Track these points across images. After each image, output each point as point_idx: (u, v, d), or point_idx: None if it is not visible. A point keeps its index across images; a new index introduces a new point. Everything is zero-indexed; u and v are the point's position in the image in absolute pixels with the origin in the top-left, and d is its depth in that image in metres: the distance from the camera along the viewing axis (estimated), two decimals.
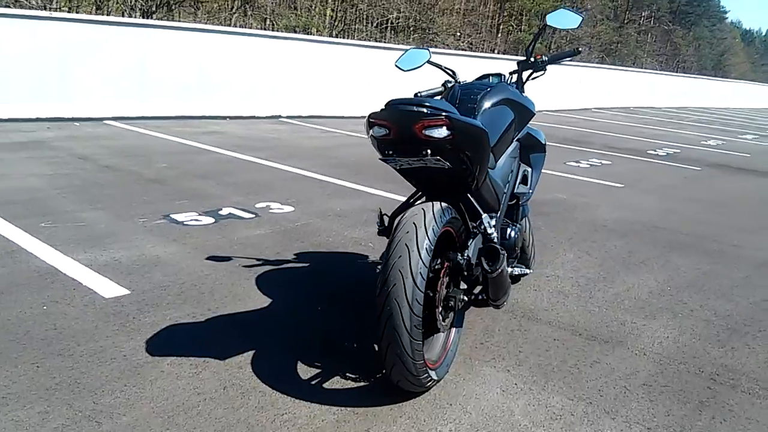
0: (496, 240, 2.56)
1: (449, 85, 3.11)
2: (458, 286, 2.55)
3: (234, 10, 25.54)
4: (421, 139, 2.19)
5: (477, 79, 3.38)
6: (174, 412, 2.22)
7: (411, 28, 30.85)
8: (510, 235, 3.05)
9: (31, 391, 2.27)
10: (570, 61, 3.51)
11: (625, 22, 44.93)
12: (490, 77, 3.36)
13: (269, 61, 10.51)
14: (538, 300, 3.52)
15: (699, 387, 2.70)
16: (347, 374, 2.55)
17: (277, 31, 23.58)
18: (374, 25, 29.64)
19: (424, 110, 2.16)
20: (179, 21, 17.65)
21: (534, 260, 3.70)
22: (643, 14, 48.56)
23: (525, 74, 3.34)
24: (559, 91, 17.70)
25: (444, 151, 2.27)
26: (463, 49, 28.66)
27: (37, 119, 7.93)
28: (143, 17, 19.92)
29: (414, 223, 2.27)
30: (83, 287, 3.18)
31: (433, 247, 2.24)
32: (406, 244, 2.22)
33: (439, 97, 3.05)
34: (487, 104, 2.88)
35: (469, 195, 2.59)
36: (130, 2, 22.08)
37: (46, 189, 4.91)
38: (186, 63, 9.44)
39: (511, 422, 2.32)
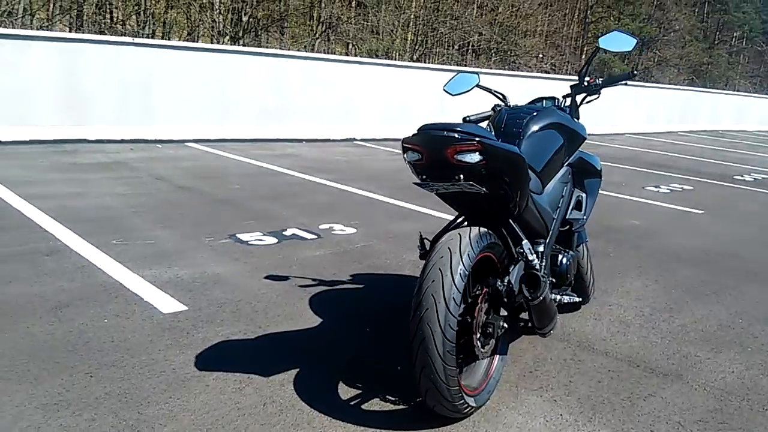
0: (538, 266, 2.50)
1: (498, 108, 3.08)
2: (498, 313, 2.51)
3: (317, 36, 26.24)
4: (454, 164, 2.18)
5: (530, 103, 3.34)
6: (213, 426, 2.27)
7: (492, 51, 30.79)
8: (561, 262, 2.98)
9: (81, 399, 2.37)
10: (634, 82, 3.39)
11: (716, 42, 43.26)
12: (544, 101, 3.32)
13: (346, 85, 10.70)
14: (596, 329, 3.41)
15: (761, 426, 2.54)
16: (387, 397, 2.55)
17: (359, 55, 24.06)
18: (455, 47, 29.75)
19: (456, 135, 2.15)
20: (263, 47, 18.27)
21: (593, 289, 3.60)
22: (734, 35, 46.65)
23: (579, 98, 3.28)
24: (641, 113, 17.20)
25: (478, 176, 2.25)
26: (545, 71, 28.35)
27: (122, 141, 8.35)
28: (232, 43, 20.78)
29: (449, 248, 2.25)
30: (144, 302, 3.31)
31: (467, 272, 2.22)
32: (440, 269, 2.21)
33: (486, 122, 3.03)
34: (533, 128, 2.84)
35: (510, 220, 2.55)
36: (219, 29, 23.07)
37: (121, 208, 5.15)
38: (265, 87, 9.75)
39: None
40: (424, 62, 23.15)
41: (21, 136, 7.66)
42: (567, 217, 3.07)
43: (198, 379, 2.59)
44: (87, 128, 8.16)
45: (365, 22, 28.16)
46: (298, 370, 2.73)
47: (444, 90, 3.27)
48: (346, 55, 25.19)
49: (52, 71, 7.89)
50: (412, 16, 28.86)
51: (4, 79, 7.56)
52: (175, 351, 2.81)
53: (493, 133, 2.91)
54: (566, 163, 3.05)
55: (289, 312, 3.32)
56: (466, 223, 2.62)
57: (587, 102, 3.32)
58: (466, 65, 26.38)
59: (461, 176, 2.21)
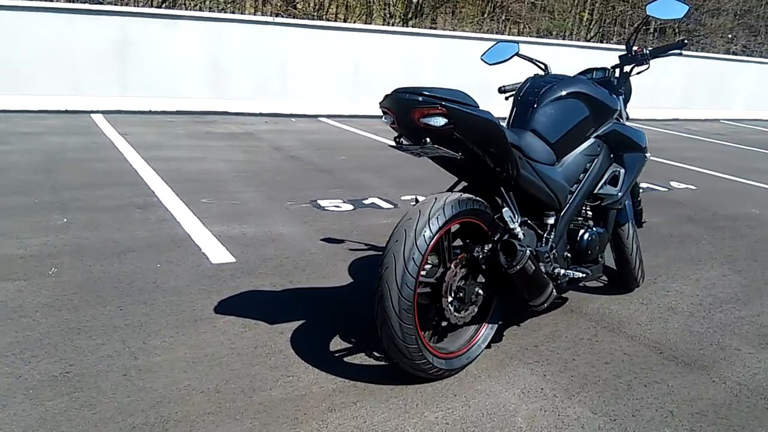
0: (520, 235, 2.45)
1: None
2: (476, 280, 2.49)
3: (485, 15, 26.04)
4: (421, 127, 2.20)
5: (579, 74, 3.22)
6: (200, 359, 2.50)
7: (674, 30, 28.73)
8: (582, 237, 2.88)
9: (102, 326, 2.71)
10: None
11: None
12: (594, 71, 3.19)
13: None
14: (636, 314, 3.23)
15: (766, 427, 2.32)
16: (374, 353, 2.63)
17: (528, 35, 23.53)
18: (633, 27, 28.10)
19: (419, 98, 2.17)
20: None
21: (641, 273, 3.41)
22: None
23: (627, 68, 3.11)
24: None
25: (450, 140, 2.26)
26: (734, 53, 25.95)
27: (260, 114, 8.95)
28: (404, 24, 21.28)
29: (419, 210, 2.29)
30: (200, 253, 3.63)
31: (432, 235, 2.24)
32: (405, 229, 2.25)
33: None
34: (550, 97, 2.75)
35: (502, 188, 2.51)
36: (390, 10, 23.67)
37: (227, 172, 5.59)
38: (396, 65, 9.95)
39: (507, 423, 2.23)
40: (599, 42, 22.10)
41: (169, 107, 8.48)
42: (597, 191, 2.95)
43: (209, 320, 2.83)
44: (228, 101, 8.84)
45: (536, 1, 27.47)
46: (303, 322, 2.88)
47: (481, 59, 3.25)
48: (518, 35, 24.72)
49: (198, 48, 8.63)
50: None
51: (156, 56, 8.40)
52: (204, 296, 3.08)
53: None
54: (594, 136, 2.92)
55: (325, 272, 3.49)
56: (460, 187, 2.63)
57: (637, 73, 3.14)
58: (646, 45, 24.87)
59: (428, 140, 2.23)
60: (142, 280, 3.21)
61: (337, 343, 2.71)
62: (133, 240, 3.75)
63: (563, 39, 22.97)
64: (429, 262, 2.44)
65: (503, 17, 26.40)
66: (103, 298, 2.97)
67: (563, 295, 3.32)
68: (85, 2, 8.33)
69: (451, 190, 2.62)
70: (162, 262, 3.46)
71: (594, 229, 2.94)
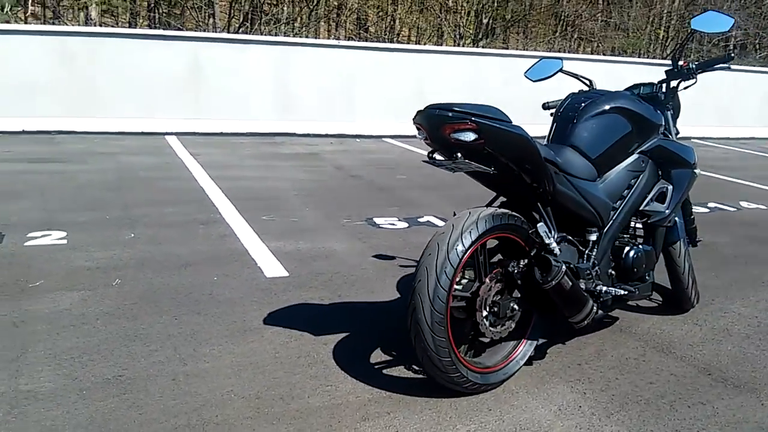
0: (556, 252, 2.45)
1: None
2: (512, 295, 2.50)
3: (557, 34, 25.84)
4: (452, 142, 2.25)
5: (626, 89, 3.21)
6: (244, 367, 2.60)
7: (755, 46, 27.70)
8: (627, 254, 2.85)
9: (157, 334, 2.86)
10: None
11: None
12: (641, 87, 3.17)
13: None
14: (689, 334, 3.16)
15: None
16: (412, 366, 2.67)
17: (601, 54, 23.18)
18: (711, 43, 27.29)
19: (449, 114, 2.22)
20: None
21: (695, 293, 3.33)
22: None
23: (673, 83, 3.08)
24: None
25: (481, 156, 2.30)
26: None
27: (326, 135, 9.17)
28: (473, 45, 21.40)
29: (453, 225, 2.33)
30: (256, 267, 3.77)
31: (465, 249, 2.28)
32: (438, 243, 2.30)
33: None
34: (591, 112, 2.76)
35: (539, 204, 2.53)
36: (461, 31, 23.86)
37: (288, 191, 5.77)
38: (461, 85, 10.01)
39: None
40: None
41: (239, 129, 8.80)
42: (642, 208, 2.92)
43: (257, 331, 2.95)
44: (296, 123, 9.10)
45: (609, 19, 27.06)
46: (347, 334, 2.96)
47: (525, 76, 3.27)
48: (591, 53, 24.39)
49: (267, 72, 8.95)
50: (665, 12, 27.12)
51: (227, 79, 8.75)
52: (255, 307, 3.20)
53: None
54: (639, 151, 2.89)
55: (373, 287, 3.56)
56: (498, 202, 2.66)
57: (684, 88, 3.10)
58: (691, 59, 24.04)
59: (459, 155, 2.28)
60: (199, 291, 3.36)
61: (377, 356, 2.77)
62: (194, 254, 3.93)
63: (638, 57, 22.52)
64: (465, 276, 2.48)
65: (575, 36, 26.12)
66: (160, 308, 3.13)
67: (612, 314, 3.28)
68: (159, 29, 8.75)
69: (489, 205, 2.65)
70: (219, 275, 3.61)
71: (640, 246, 2.90)
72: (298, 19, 20.56)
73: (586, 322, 2.57)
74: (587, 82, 3.18)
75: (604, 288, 2.66)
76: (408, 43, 20.15)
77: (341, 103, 9.39)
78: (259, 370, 2.59)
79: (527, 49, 21.17)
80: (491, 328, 2.45)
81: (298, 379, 2.53)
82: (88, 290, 3.28)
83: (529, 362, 2.72)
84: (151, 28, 9.53)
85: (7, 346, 2.66)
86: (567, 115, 2.80)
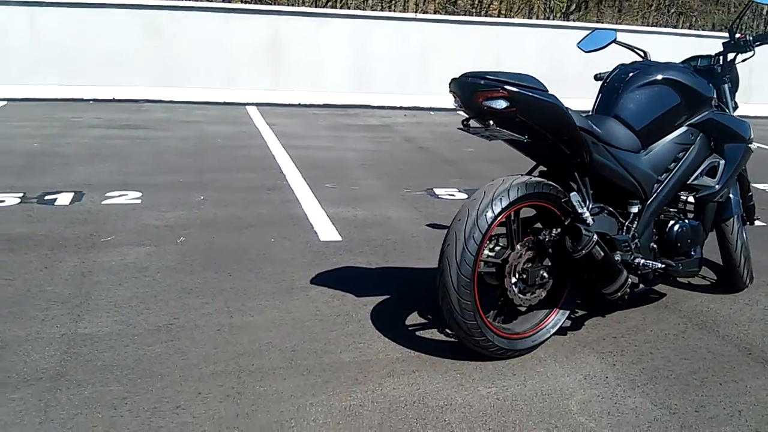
0: (589, 221, 2.45)
1: None
2: (542, 263, 2.53)
3: (652, 7, 24.81)
4: (484, 110, 2.29)
5: (683, 61, 3.13)
6: (286, 322, 2.76)
7: None
8: (672, 228, 2.81)
9: (210, 288, 3.05)
10: None
11: None
12: (699, 59, 3.09)
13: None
14: (737, 313, 3.09)
15: None
16: (446, 329, 2.75)
17: (701, 29, 22.08)
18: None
19: (481, 81, 2.26)
20: (593, 22, 17.94)
21: (748, 272, 3.24)
22: None
23: (730, 56, 2.98)
24: None
25: (514, 124, 2.33)
26: None
27: (401, 107, 9.24)
28: (564, 19, 20.87)
29: (485, 191, 2.38)
30: (312, 231, 3.93)
31: (495, 215, 2.33)
32: (468, 209, 2.36)
33: None
34: (637, 83, 2.72)
35: (577, 173, 2.53)
36: (551, 5, 23.27)
37: (355, 161, 5.90)
38: (538, 59, 9.82)
39: (559, 405, 2.27)
40: None
41: (316, 100, 9.00)
42: (691, 182, 2.86)
43: (303, 289, 3.10)
44: (371, 95, 9.21)
45: None
46: (387, 297, 3.06)
47: (578, 47, 3.24)
48: (689, 28, 23.30)
49: (345, 45, 9.08)
50: None
51: (305, 52, 8.95)
52: (305, 268, 3.35)
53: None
54: (688, 124, 2.83)
55: (421, 254, 3.64)
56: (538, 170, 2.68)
57: (742, 61, 3.00)
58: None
59: (491, 122, 2.32)
60: (255, 251, 3.54)
61: (413, 318, 2.86)
62: (256, 217, 4.12)
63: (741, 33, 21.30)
64: (499, 243, 2.53)
65: (672, 10, 24.92)
66: (218, 264, 3.33)
67: (659, 290, 3.24)
68: (240, 2, 9.04)
69: (529, 173, 2.68)
70: (276, 237, 3.78)
71: (686, 221, 2.85)
72: None
73: (619, 294, 2.57)
74: (641, 54, 3.12)
75: (642, 261, 2.64)
76: (491, 16, 19.81)
77: (417, 76, 9.42)
78: (299, 325, 2.74)
79: (620, 23, 20.38)
80: (520, 295, 2.49)
81: (333, 336, 2.66)
82: (154, 246, 3.53)
83: (563, 332, 2.75)
84: (231, 2, 9.77)
85: (73, 293, 2.92)
86: (613, 85, 2.77)
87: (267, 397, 2.22)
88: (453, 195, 4.89)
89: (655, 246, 2.81)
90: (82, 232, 3.66)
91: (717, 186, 2.87)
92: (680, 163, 2.82)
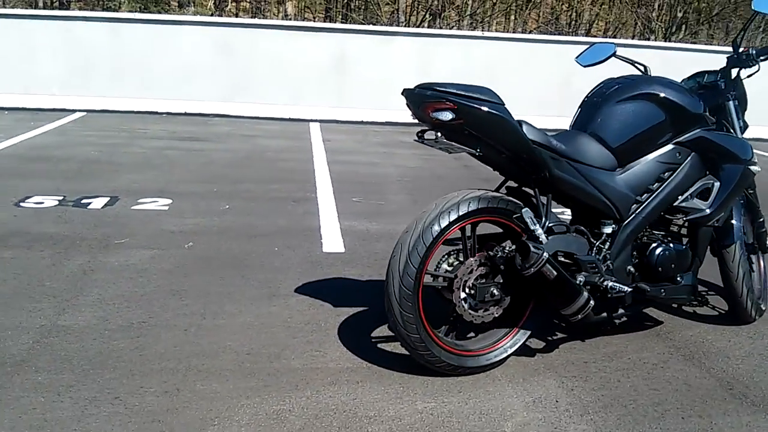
0: (542, 239, 2.37)
1: None
2: (495, 280, 2.47)
3: (760, 29, 23.64)
4: (434, 122, 2.28)
5: (689, 76, 3.00)
6: (253, 326, 2.82)
7: None
8: (652, 252, 2.67)
9: (196, 291, 3.16)
10: None
11: None
12: (706, 75, 2.95)
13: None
14: (734, 347, 2.88)
15: None
16: None
17: None
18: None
19: (428, 92, 2.25)
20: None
21: (753, 305, 3.03)
22: None
23: (735, 72, 2.82)
24: None
25: (462, 135, 2.30)
26: None
27: None
28: (665, 40, 20.20)
29: (435, 204, 2.37)
30: (318, 242, 3.99)
31: (440, 229, 2.31)
32: (416, 221, 2.36)
33: None
34: (617, 98, 2.62)
35: (536, 189, 2.47)
36: (652, 26, 22.61)
37: (394, 176, 5.93)
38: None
39: (491, 427, 2.20)
40: None
41: (380, 118, 9.11)
42: (678, 204, 2.72)
43: (285, 297, 3.15)
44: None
45: None
46: (365, 309, 3.07)
47: (576, 61, 3.15)
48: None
49: (409, 62, 9.17)
50: None
51: (370, 70, 9.09)
52: (296, 277, 3.40)
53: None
54: (674, 142, 2.69)
55: None
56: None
57: (748, 76, 2.83)
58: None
59: (439, 134, 2.30)
60: (255, 259, 3.64)
61: (381, 331, 2.85)
62: (271, 226, 4.23)
63: None
64: (459, 258, 2.50)
65: None
66: (213, 269, 3.45)
67: (657, 318, 3.09)
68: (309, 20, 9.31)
69: (498, 188, 2.63)
70: (281, 246, 3.87)
71: (671, 245, 2.71)
72: (480, 11, 20.64)
73: (579, 316, 2.47)
74: (642, 69, 3.00)
75: (611, 283, 2.52)
76: (588, 35, 19.42)
77: None
78: (264, 330, 2.79)
79: (720, 45, 19.49)
80: (471, 311, 2.44)
81: (294, 342, 2.70)
82: (161, 249, 3.69)
83: (530, 353, 2.68)
84: (343, 23, 10.08)
85: (68, 289, 3.10)
86: (593, 100, 2.69)
87: (203, 395, 2.28)
88: None
89: (632, 270, 2.68)
90: (101, 234, 3.88)
91: (708, 209, 2.71)
92: (665, 184, 2.68)
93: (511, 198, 2.47)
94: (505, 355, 2.54)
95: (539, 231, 2.37)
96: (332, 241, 4.01)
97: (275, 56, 9.09)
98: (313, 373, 2.46)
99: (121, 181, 5.18)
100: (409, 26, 11.19)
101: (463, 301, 2.42)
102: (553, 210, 2.97)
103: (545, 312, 2.63)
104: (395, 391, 2.37)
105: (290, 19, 20.36)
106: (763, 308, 3.12)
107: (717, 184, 2.74)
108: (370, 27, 9.45)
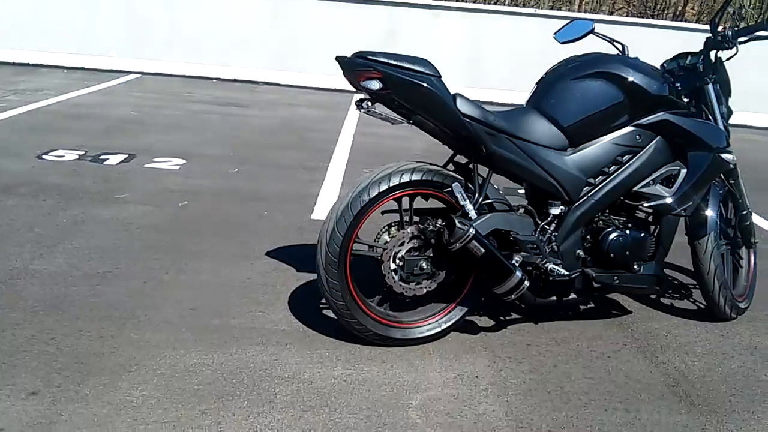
0: (471, 215, 2.33)
1: None
2: (424, 253, 2.44)
3: None
4: (366, 92, 2.28)
5: (672, 58, 2.86)
6: (209, 284, 2.89)
7: None
8: (605, 237, 2.59)
9: (172, 247, 3.27)
10: None
11: None
12: (688, 56, 2.81)
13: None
14: (700, 343, 2.76)
15: None
16: None
17: None
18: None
19: (357, 61, 2.24)
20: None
21: (727, 302, 2.88)
22: None
23: (713, 54, 2.67)
24: None
25: (392, 105, 2.29)
26: None
27: (511, 104, 9.01)
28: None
29: (368, 174, 2.38)
30: (309, 208, 4.03)
31: (368, 199, 2.31)
32: (348, 190, 2.37)
33: None
34: (572, 76, 2.54)
35: (473, 165, 2.44)
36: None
37: (414, 150, 5.89)
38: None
39: (399, 398, 2.20)
40: None
41: None
42: (637, 189, 2.61)
43: (254, 258, 3.22)
44: (484, 91, 9.04)
45: None
46: None
47: (553, 38, 3.05)
48: None
49: (458, 38, 9.05)
50: None
51: (418, 43, 9.01)
52: (272, 240, 3.46)
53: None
54: (634, 124, 2.58)
55: None
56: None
57: (727, 59, 2.68)
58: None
59: (369, 103, 2.30)
60: (242, 221, 3.72)
61: None
62: (273, 192, 4.31)
63: None
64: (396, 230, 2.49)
65: None
66: (196, 228, 3.55)
67: (627, 307, 3.00)
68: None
69: (446, 163, 2.61)
70: (271, 210, 3.94)
71: (627, 231, 2.61)
72: None
73: (513, 296, 2.42)
74: (619, 47, 2.87)
75: (550, 266, 2.46)
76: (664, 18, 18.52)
77: (533, 72, 9.11)
78: (220, 289, 2.87)
79: None
80: (401, 283, 2.43)
81: (242, 302, 2.76)
82: (154, 206, 3.82)
83: (474, 331, 2.66)
84: None
85: (55, 237, 3.26)
86: (549, 78, 2.62)
87: (133, 343, 2.38)
88: None
89: (582, 254, 2.60)
90: (105, 188, 4.05)
91: (670, 197, 2.59)
92: (623, 167, 2.58)
93: (450, 173, 2.44)
94: (438, 329, 2.53)
95: (469, 206, 2.34)
96: (324, 209, 4.03)
97: (326, 27, 9.13)
98: (247, 332, 2.52)
99: (146, 140, 5.36)
100: (459, 1, 10.91)
101: (393, 273, 2.41)
102: (511, 187, 2.92)
103: (485, 290, 2.59)
104: (319, 356, 2.41)
105: None
106: (743, 306, 2.97)
107: (684, 172, 2.62)
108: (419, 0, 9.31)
